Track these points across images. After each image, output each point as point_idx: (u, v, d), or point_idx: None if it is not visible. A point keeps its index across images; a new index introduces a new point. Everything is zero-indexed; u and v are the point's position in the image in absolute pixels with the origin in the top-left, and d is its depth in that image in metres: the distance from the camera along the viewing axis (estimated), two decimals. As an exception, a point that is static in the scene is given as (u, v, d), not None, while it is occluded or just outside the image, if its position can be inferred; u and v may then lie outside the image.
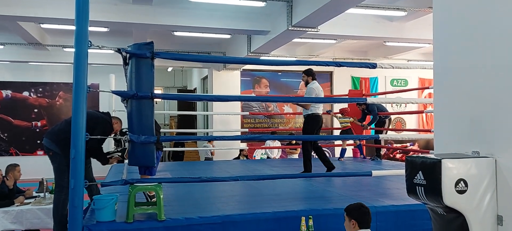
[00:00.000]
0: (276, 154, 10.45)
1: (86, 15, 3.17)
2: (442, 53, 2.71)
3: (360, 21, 7.55)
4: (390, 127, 8.87)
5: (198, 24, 7.33)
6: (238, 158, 10.12)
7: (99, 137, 3.69)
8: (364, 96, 9.10)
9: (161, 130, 10.57)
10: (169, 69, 15.45)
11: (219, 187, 4.91)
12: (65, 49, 9.85)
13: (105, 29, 7.85)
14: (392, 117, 11.93)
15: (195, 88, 15.27)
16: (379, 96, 10.94)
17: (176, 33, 8.10)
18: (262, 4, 6.05)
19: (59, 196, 3.70)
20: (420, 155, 2.52)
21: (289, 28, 6.19)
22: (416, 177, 2.34)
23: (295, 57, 11.36)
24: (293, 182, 5.24)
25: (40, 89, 12.34)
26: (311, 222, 3.26)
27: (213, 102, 11.22)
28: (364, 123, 8.02)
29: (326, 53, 11.59)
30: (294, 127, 12.29)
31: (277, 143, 10.35)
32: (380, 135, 7.52)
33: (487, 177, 2.24)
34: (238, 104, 11.31)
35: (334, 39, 9.04)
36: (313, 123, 5.69)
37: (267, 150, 10.28)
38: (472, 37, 2.45)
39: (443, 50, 2.71)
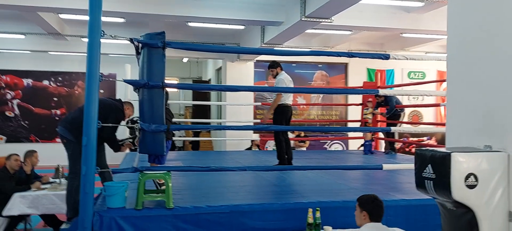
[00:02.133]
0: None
1: (99, 5, 3.22)
2: (456, 43, 2.65)
3: (375, 12, 7.43)
4: (406, 120, 8.68)
5: (212, 15, 7.35)
6: (250, 148, 10.15)
7: (111, 124, 3.74)
8: (379, 89, 8.98)
9: (176, 119, 10.56)
10: (185, 60, 15.56)
11: (230, 177, 4.94)
12: (83, 39, 10.01)
13: (121, 20, 7.94)
14: (409, 110, 11.77)
15: (210, 79, 15.34)
16: (394, 88, 10.79)
17: (190, 24, 8.12)
18: (276, -6, 6.00)
19: (72, 182, 3.77)
20: (429, 148, 2.47)
21: (302, 19, 6.14)
22: (425, 171, 2.31)
23: (310, 48, 11.27)
24: (303, 173, 5.22)
25: (60, 79, 12.58)
26: (318, 214, 3.25)
27: (227, 93, 11.27)
28: (377, 111, 7.92)
29: (341, 45, 11.46)
30: (308, 119, 12.24)
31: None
32: (393, 128, 7.43)
33: (499, 172, 2.19)
34: (251, 95, 11.32)
35: (350, 31, 8.93)
36: (282, 113, 5.65)
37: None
38: (487, 27, 2.38)
39: (457, 41, 2.64)
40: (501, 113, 2.26)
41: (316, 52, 6.28)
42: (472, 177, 2.14)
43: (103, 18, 8.17)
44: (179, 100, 16.07)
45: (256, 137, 10.61)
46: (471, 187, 2.15)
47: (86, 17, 8.03)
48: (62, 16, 8.06)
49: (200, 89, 14.52)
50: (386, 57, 3.94)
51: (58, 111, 12.50)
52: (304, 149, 10.73)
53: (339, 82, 12.67)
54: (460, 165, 2.13)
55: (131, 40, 3.51)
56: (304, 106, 12.41)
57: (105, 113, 3.67)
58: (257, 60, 11.52)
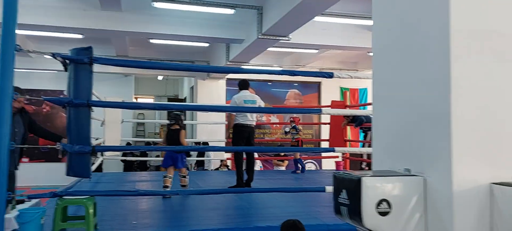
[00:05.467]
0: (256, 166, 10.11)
1: (13, 16, 3.01)
2: (380, 63, 2.52)
3: (340, 31, 7.38)
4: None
5: (172, 32, 7.18)
6: (218, 168, 9.89)
7: None
8: (347, 108, 8.90)
9: (150, 139, 10.08)
10: (160, 77, 15.35)
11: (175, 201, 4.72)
12: (46, 56, 9.71)
13: (79, 36, 7.70)
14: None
15: (185, 98, 15.13)
16: (368, 107, 10.75)
17: (152, 41, 7.94)
18: (231, 11, 5.88)
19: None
20: (347, 171, 2.31)
21: (259, 37, 6.02)
22: (340, 196, 2.13)
23: (282, 67, 11.19)
24: (257, 196, 5.01)
25: (27, 96, 12.13)
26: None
27: (198, 112, 11.07)
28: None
29: (313, 63, 11.41)
30: (280, 138, 12.07)
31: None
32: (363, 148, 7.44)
33: (414, 198, 2.02)
34: (223, 113, 11.09)
35: (316, 49, 8.86)
36: (238, 133, 5.48)
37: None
38: (407, 48, 2.26)
39: (381, 60, 2.52)
40: (419, 135, 2.11)
41: (269, 71, 6.13)
42: (384, 203, 1.97)
43: (60, 34, 7.88)
44: (154, 119, 15.80)
45: (228, 156, 10.37)
46: (384, 214, 1.98)
47: (49, 34, 7.62)
48: (25, 32, 7.80)
49: (137, 108, 13.95)
50: (330, 75, 3.82)
51: (23, 130, 12.06)
52: (283, 168, 10.50)
53: (312, 101, 12.59)
54: (371, 190, 1.96)
55: (53, 55, 3.30)
56: (277, 126, 12.25)
57: None
58: (228, 78, 11.37)
